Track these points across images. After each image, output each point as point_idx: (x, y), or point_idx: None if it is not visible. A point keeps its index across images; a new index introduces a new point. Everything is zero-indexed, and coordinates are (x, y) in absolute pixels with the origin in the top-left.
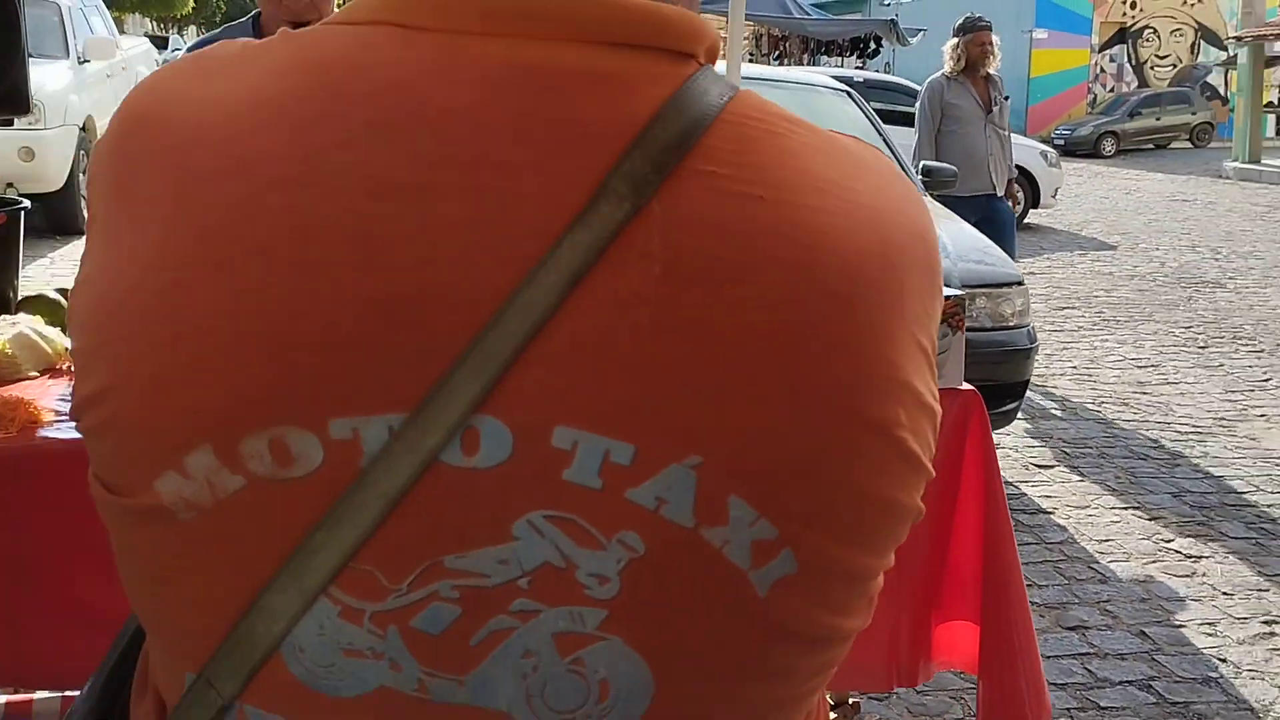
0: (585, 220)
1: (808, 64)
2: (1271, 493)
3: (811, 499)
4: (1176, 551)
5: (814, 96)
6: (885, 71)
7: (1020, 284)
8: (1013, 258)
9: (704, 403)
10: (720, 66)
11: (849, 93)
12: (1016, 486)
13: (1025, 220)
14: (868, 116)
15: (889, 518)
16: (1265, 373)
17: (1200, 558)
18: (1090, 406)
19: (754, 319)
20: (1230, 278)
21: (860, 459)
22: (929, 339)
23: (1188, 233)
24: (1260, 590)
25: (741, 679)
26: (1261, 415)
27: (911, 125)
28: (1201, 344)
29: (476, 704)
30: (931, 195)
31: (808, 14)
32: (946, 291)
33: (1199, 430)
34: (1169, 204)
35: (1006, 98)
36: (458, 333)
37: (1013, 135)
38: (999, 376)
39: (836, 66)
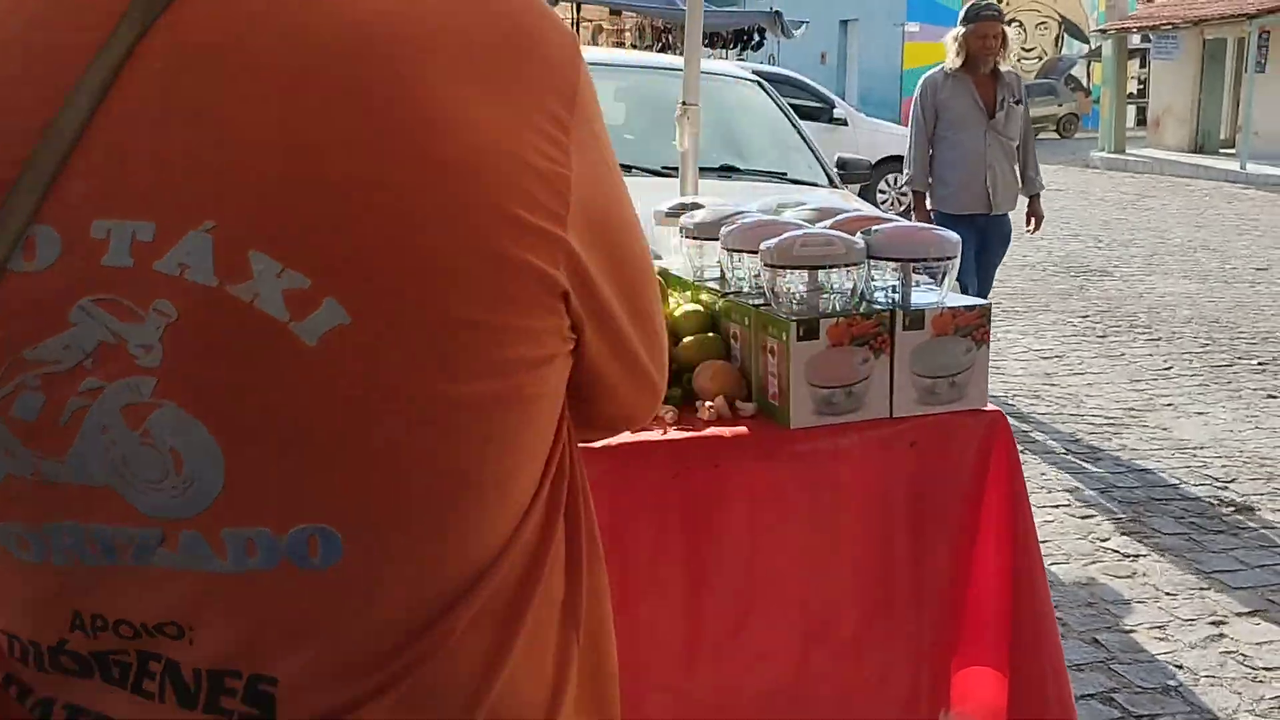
0: (107, 46)
1: None
2: (1195, 485)
3: (343, 247)
4: (1115, 551)
5: (724, 87)
6: (770, 64)
7: None
8: (985, 293)
9: (213, 175)
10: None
11: (760, 84)
12: None
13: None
14: (780, 108)
15: (474, 262)
16: (1165, 360)
17: (1138, 556)
18: (1004, 401)
19: (250, 93)
20: (1116, 266)
21: (392, 207)
22: (485, 85)
23: (1067, 221)
24: (1202, 589)
25: (324, 445)
26: (1169, 404)
27: (807, 119)
28: (1101, 333)
29: (81, 481)
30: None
31: None
32: (969, 301)
33: (1113, 422)
34: (1044, 193)
35: (1019, 101)
36: (13, 162)
37: (901, 128)
38: None
39: (719, 59)
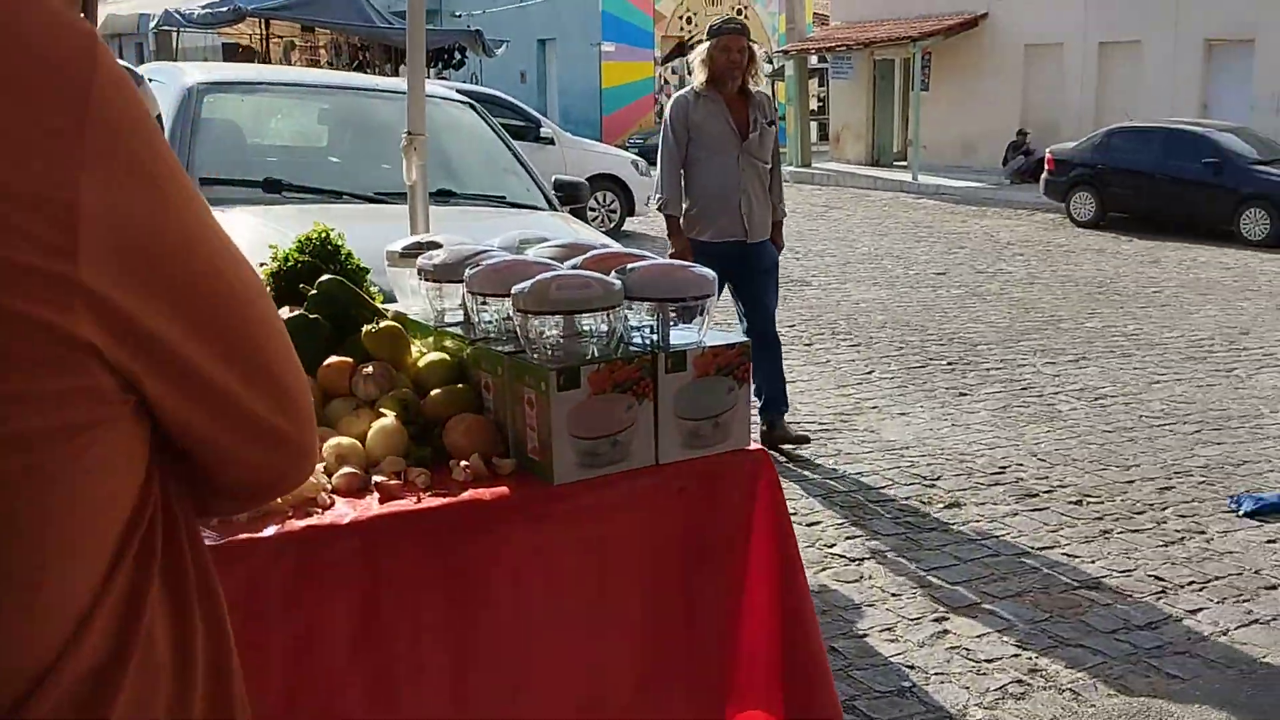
0: None
1: (390, 75)
2: (905, 485)
3: None
4: (841, 556)
5: (436, 109)
6: (473, 83)
7: None
8: (770, 319)
9: None
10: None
11: (472, 105)
12: None
13: (623, 228)
14: (493, 128)
15: None
16: (867, 366)
17: (862, 559)
18: None
19: None
20: (814, 275)
21: None
22: None
23: None
24: (923, 587)
25: None
26: (874, 407)
27: (515, 139)
28: (807, 341)
29: None
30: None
31: (390, 23)
32: (729, 339)
33: (826, 428)
34: None
35: (771, 123)
36: None
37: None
38: None
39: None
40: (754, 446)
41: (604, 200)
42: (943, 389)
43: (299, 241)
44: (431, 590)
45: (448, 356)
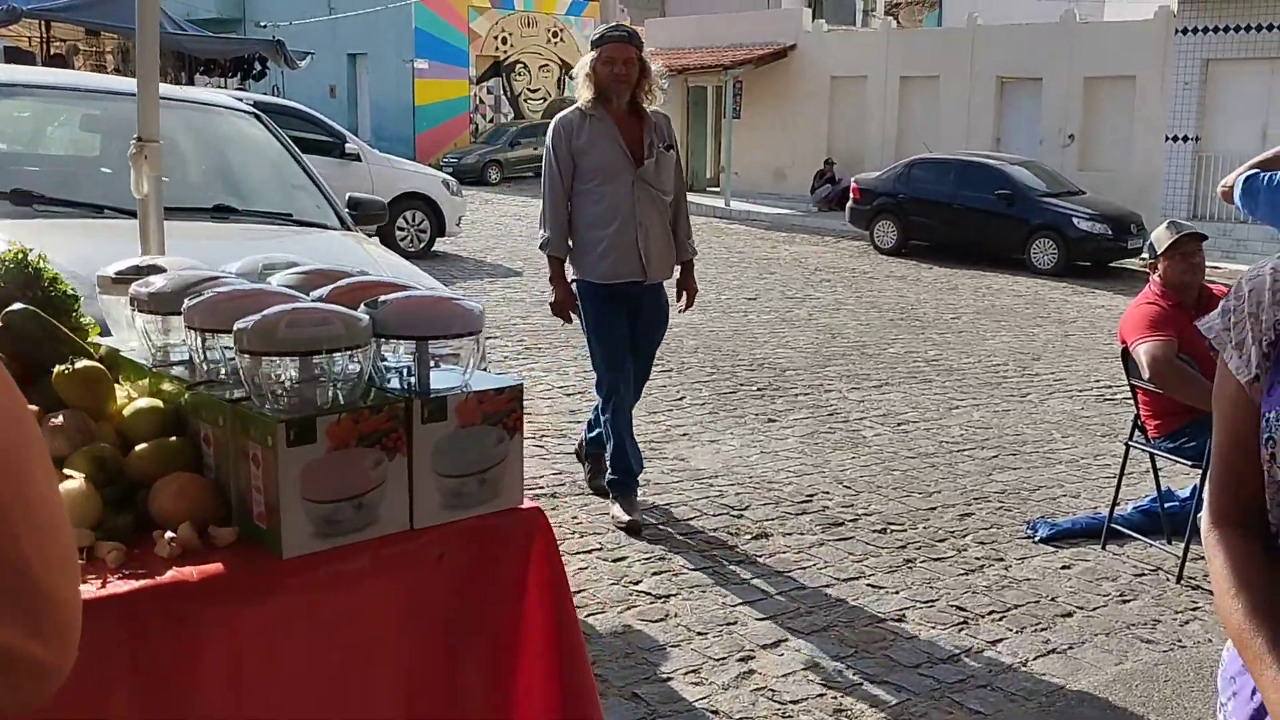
0: None
1: (184, 84)
2: (714, 515)
3: None
4: (647, 593)
5: (214, 118)
6: (275, 96)
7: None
8: (643, 378)
9: None
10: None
11: (258, 116)
12: None
13: (433, 248)
14: (280, 141)
15: None
16: (679, 391)
17: (669, 596)
18: (532, 443)
19: None
20: None
21: None
22: None
23: None
24: (729, 624)
25: None
26: (684, 434)
27: (312, 152)
28: None
29: None
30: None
31: (183, 29)
32: (500, 382)
33: None
34: None
35: (670, 147)
36: None
37: (416, 164)
38: None
39: (217, 88)
40: (527, 504)
41: (413, 220)
42: (752, 415)
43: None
44: (118, 693)
45: (161, 404)
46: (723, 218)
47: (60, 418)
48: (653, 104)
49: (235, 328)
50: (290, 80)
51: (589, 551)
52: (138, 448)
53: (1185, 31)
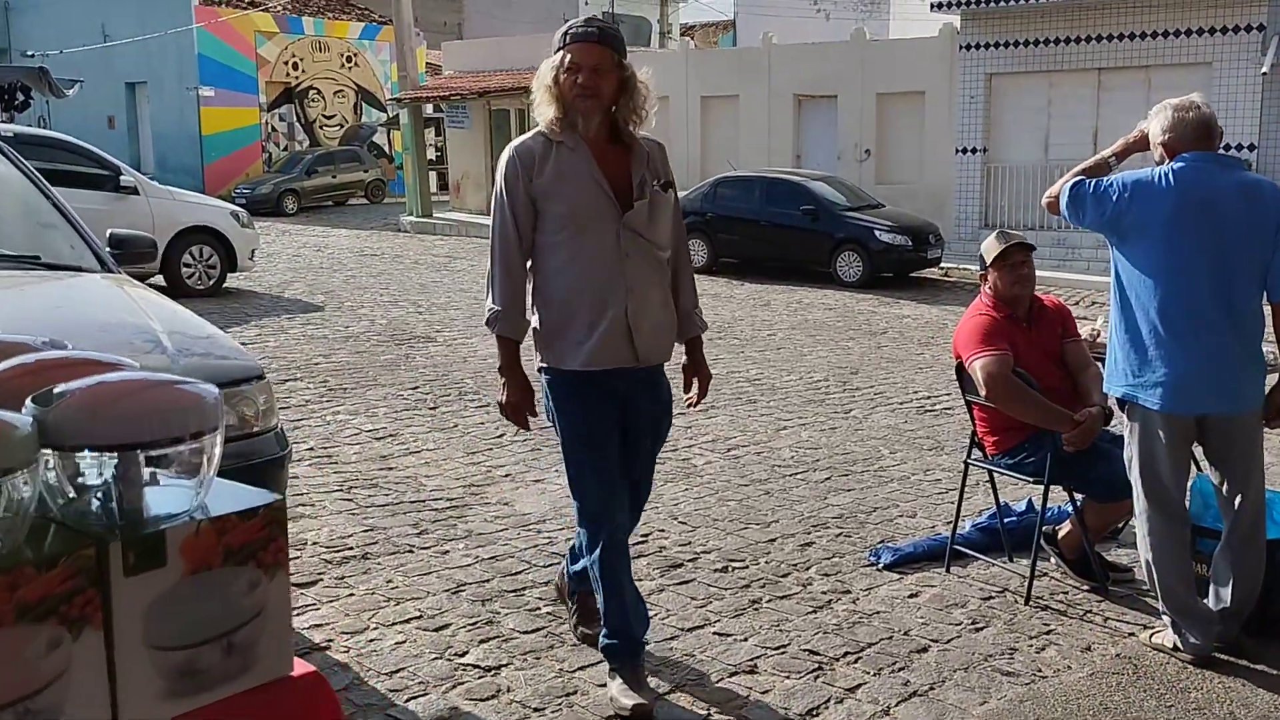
0: None
1: None
2: (544, 566)
3: None
4: (475, 666)
5: None
6: (41, 126)
7: (261, 377)
8: (643, 497)
9: None
10: None
11: (1, 149)
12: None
13: (224, 285)
14: (25, 173)
15: None
16: (497, 429)
17: (499, 668)
18: (339, 495)
19: None
20: (438, 330)
21: None
22: None
23: (386, 287)
24: (568, 695)
25: None
26: (506, 475)
27: (82, 186)
28: (432, 404)
29: None
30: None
31: None
32: (251, 500)
33: (454, 503)
34: (360, 259)
35: (668, 185)
36: None
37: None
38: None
39: None
40: (300, 670)
41: (201, 255)
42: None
43: None
44: None
45: None
46: None
47: None
48: (640, 126)
49: None
50: (62, 111)
51: (407, 621)
52: None
53: (969, 47)
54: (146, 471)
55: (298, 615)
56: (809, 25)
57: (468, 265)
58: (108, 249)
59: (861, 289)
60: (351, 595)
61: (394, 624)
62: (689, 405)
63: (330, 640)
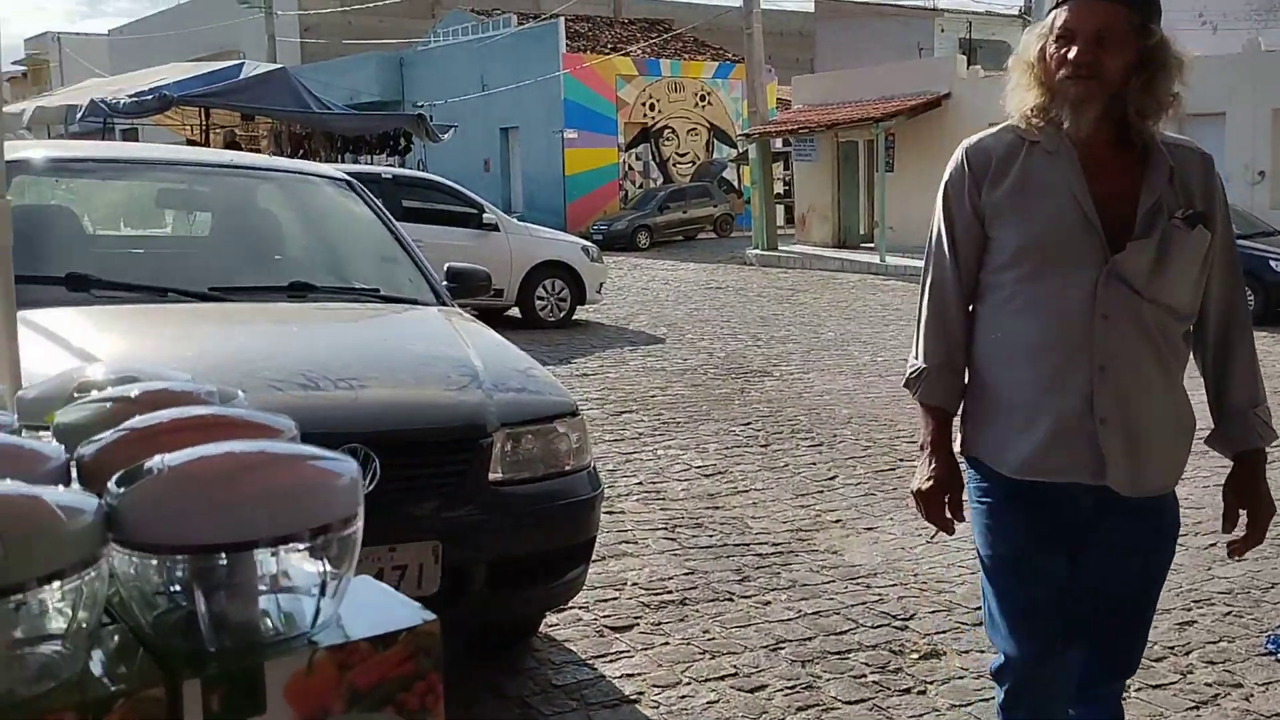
0: None
1: (336, 162)
2: (873, 627)
3: None
4: None
5: (308, 188)
6: (420, 169)
7: (575, 414)
8: (1133, 660)
9: None
10: (213, 155)
11: (349, 183)
12: (592, 666)
13: (573, 317)
14: (373, 209)
15: None
16: (830, 469)
17: None
18: (663, 534)
19: None
20: (774, 364)
21: None
22: None
23: (727, 320)
24: None
25: None
26: (836, 521)
27: (449, 223)
28: (763, 442)
29: None
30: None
31: (330, 109)
32: (400, 618)
33: (779, 548)
34: (705, 292)
35: (1200, 218)
36: None
37: (555, 232)
38: (558, 539)
39: (366, 164)
40: None
41: (553, 289)
42: None
43: None
44: None
45: None
46: (878, 274)
47: None
48: (1160, 120)
49: None
50: (445, 155)
51: (720, 677)
52: None
53: None
54: (240, 582)
55: (610, 661)
56: (1193, 37)
57: (810, 299)
58: (444, 283)
59: (1255, 325)
60: (666, 644)
61: (707, 680)
62: (1231, 552)
63: (641, 693)
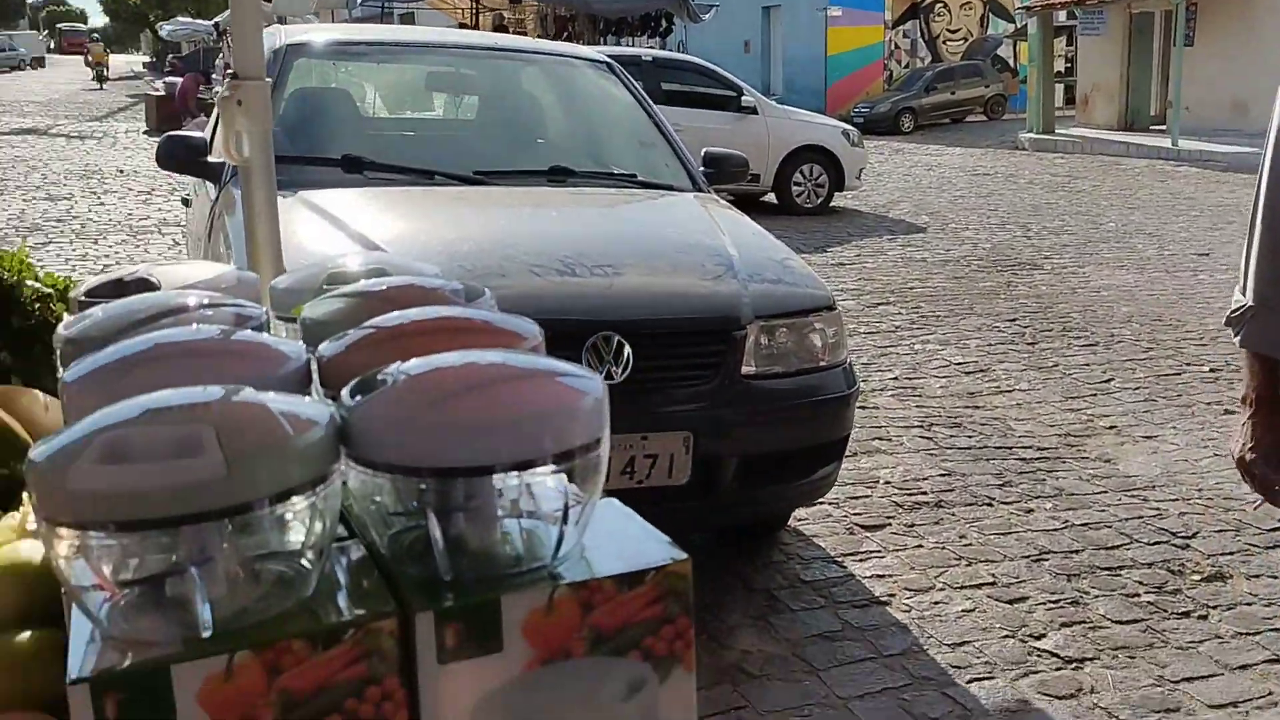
0: None
1: (599, 45)
2: (1148, 544)
3: None
4: (1051, 654)
5: (571, 71)
6: (680, 51)
7: (831, 308)
8: None
9: None
10: (479, 38)
11: (609, 65)
12: (841, 564)
13: (830, 204)
14: (633, 93)
15: None
16: (1105, 372)
17: (1082, 661)
18: (918, 433)
19: None
20: (1046, 257)
21: None
22: None
23: (994, 209)
24: (1167, 711)
25: None
26: (1111, 427)
27: (708, 106)
28: (1030, 339)
29: None
30: (720, 192)
31: None
32: (650, 556)
33: (1045, 454)
34: (971, 179)
35: None
36: None
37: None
38: (810, 435)
39: (628, 46)
40: None
41: (810, 174)
42: (1202, 404)
43: None
44: None
45: (26, 559)
46: (1168, 159)
47: None
48: None
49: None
50: (704, 37)
51: (977, 585)
52: None
53: None
54: (479, 506)
55: (860, 560)
56: None
57: (1088, 186)
58: (701, 168)
59: None
60: (920, 547)
61: (963, 587)
62: None
63: (892, 595)
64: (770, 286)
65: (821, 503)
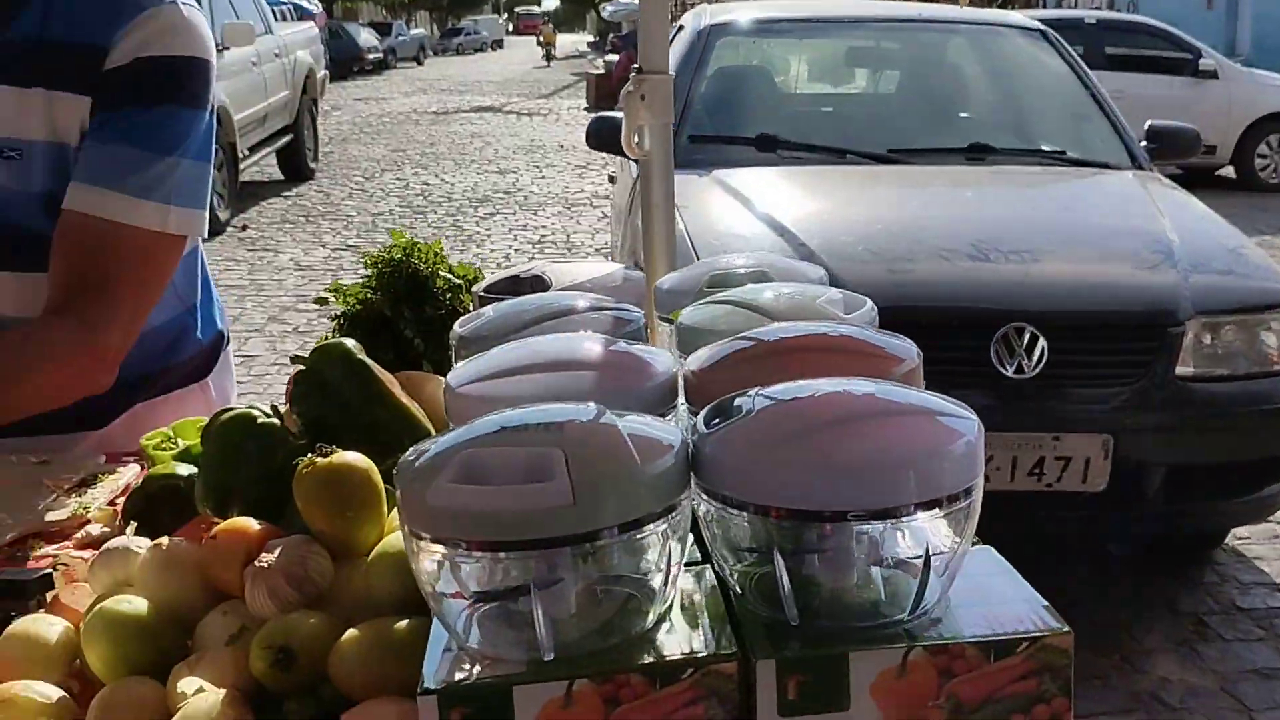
0: None
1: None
2: None
3: None
4: None
5: (998, 40)
6: (1129, 10)
7: None
8: None
9: None
10: (977, 13)
11: (1043, 33)
12: None
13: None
14: (1068, 61)
15: None
16: None
17: None
18: None
19: None
20: None
21: None
22: None
23: None
24: None
25: None
26: None
27: (1158, 71)
28: None
29: None
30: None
31: None
32: (1020, 618)
33: None
34: None
35: None
36: None
37: None
38: (1257, 448)
39: (1070, 8)
40: None
41: (1277, 145)
42: None
43: (372, 262)
44: None
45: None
46: None
47: (277, 552)
48: None
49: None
50: None
51: None
52: (345, 636)
53: None
54: (834, 550)
55: None
56: None
57: None
58: (1143, 143)
59: None
60: None
61: None
62: None
63: None
64: (1217, 278)
65: (1270, 521)
